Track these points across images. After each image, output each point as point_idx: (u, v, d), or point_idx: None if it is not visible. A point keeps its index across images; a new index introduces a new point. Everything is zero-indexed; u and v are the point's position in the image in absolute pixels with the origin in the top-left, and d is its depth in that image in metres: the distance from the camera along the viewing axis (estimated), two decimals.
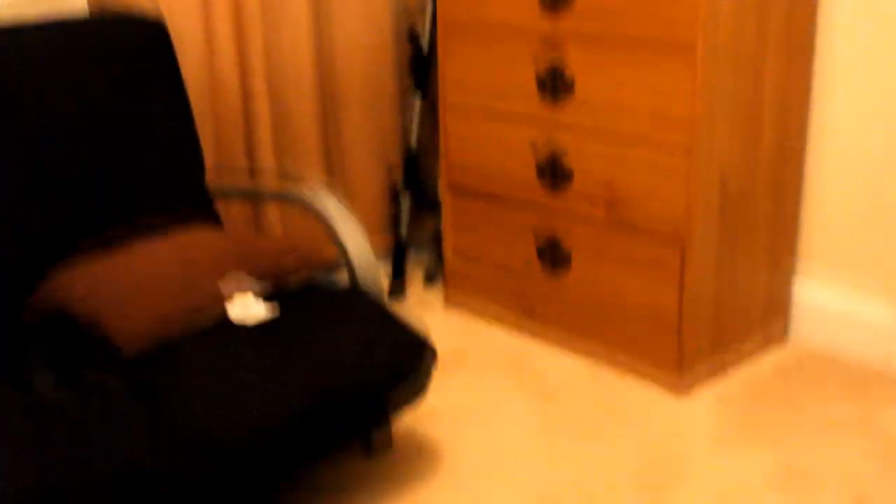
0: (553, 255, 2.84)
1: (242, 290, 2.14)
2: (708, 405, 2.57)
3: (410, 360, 2.09)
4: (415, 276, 3.48)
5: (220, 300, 2.10)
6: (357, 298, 2.23)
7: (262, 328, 2.08)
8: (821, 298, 2.85)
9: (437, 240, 3.37)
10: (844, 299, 2.80)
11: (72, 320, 2.05)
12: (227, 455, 1.82)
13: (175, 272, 2.13)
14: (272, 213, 3.14)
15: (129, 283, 2.08)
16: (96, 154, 2.34)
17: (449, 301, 3.22)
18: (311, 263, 2.28)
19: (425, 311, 3.18)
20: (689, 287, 2.53)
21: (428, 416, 2.53)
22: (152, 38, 2.49)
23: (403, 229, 3.33)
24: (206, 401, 1.85)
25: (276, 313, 2.12)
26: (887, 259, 2.71)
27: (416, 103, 3.30)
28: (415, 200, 3.37)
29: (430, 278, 3.40)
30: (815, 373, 2.72)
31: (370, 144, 3.40)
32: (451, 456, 2.36)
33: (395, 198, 3.39)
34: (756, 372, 2.74)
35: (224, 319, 2.09)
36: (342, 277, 2.31)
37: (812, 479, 2.24)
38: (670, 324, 2.58)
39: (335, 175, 3.35)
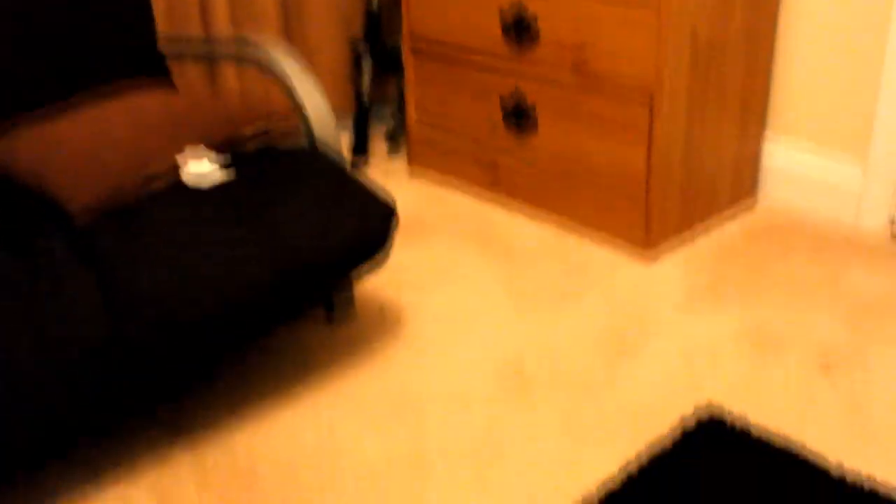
0: (518, 118, 2.77)
1: (197, 154, 2.06)
2: (675, 268, 2.54)
3: (371, 222, 2.04)
4: (378, 145, 3.41)
5: (173, 163, 2.03)
6: (315, 159, 2.16)
7: (218, 192, 2.01)
8: (790, 161, 2.81)
9: (400, 104, 3.28)
10: (813, 162, 2.76)
11: (18, 186, 1.97)
12: (184, 326, 1.77)
13: (126, 135, 2.05)
14: (228, 78, 3.03)
15: (77, 147, 2.01)
16: (42, 15, 2.22)
17: (413, 168, 3.15)
18: (267, 124, 2.20)
19: (389, 178, 3.12)
20: (658, 147, 2.48)
21: (391, 282, 2.49)
22: None
23: (365, 94, 3.24)
24: (161, 270, 1.79)
25: (233, 177, 2.05)
26: (856, 120, 2.66)
27: None
28: (376, 63, 3.27)
29: (392, 142, 3.32)
30: (783, 235, 2.70)
31: (330, 6, 3.28)
32: (414, 321, 2.33)
33: (356, 62, 3.29)
34: (724, 235, 2.71)
35: (178, 184, 2.02)
36: (300, 139, 2.23)
37: (778, 339, 2.23)
38: (638, 186, 2.54)
39: (295, 42, 3.24)
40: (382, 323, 2.32)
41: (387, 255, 2.13)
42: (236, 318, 1.85)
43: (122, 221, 1.91)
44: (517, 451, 1.90)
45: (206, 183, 2.02)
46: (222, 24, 2.95)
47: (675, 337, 2.25)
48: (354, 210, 2.03)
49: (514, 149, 2.82)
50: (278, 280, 1.89)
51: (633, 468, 1.83)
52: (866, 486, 1.76)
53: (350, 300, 2.33)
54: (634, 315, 2.33)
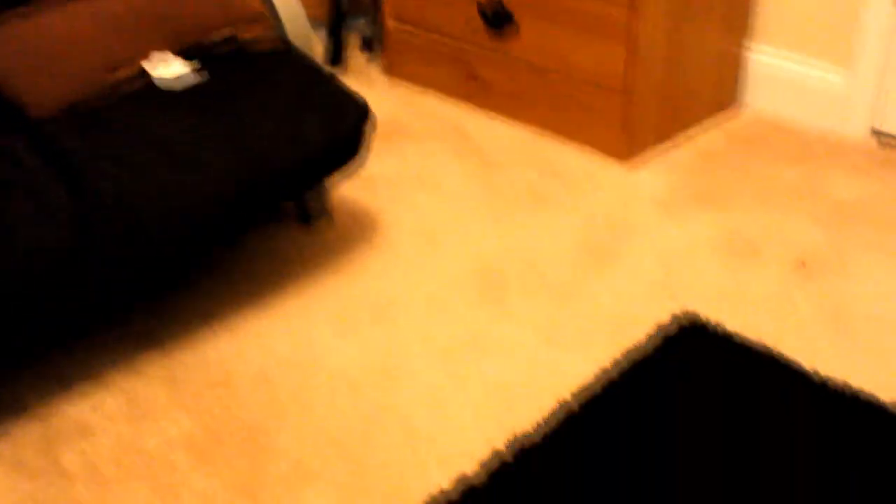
0: (496, 16, 2.69)
1: (166, 58, 2.00)
2: (655, 174, 2.51)
3: (345, 124, 1.99)
4: (354, 54, 3.32)
5: (141, 67, 1.97)
6: (289, 62, 2.09)
7: (187, 93, 1.96)
8: (773, 69, 2.75)
9: (376, 11, 3.19)
10: (797, 69, 2.71)
11: None
12: (153, 233, 1.73)
13: (92, 37, 1.99)
14: None
15: (42, 50, 1.95)
16: None
17: (389, 70, 3.08)
18: (237, 20, 2.12)
19: (365, 86, 3.04)
20: (639, 49, 2.42)
21: (366, 185, 2.44)
22: None
23: (342, 1, 3.15)
24: (129, 176, 1.74)
25: (205, 79, 1.99)
26: (840, 27, 2.60)
27: None
28: None
29: (369, 50, 3.24)
30: (764, 140, 2.66)
31: None
32: (390, 224, 2.29)
33: None
34: (705, 140, 2.67)
35: (148, 87, 1.96)
36: (274, 44, 2.16)
37: (757, 245, 2.21)
38: (618, 87, 2.48)
39: None
40: (358, 229, 2.28)
41: (362, 159, 2.08)
42: (206, 224, 1.81)
43: (90, 125, 1.85)
44: (494, 356, 1.89)
45: (177, 86, 1.96)
46: None
47: (654, 243, 2.22)
48: (329, 112, 1.97)
49: (493, 53, 2.75)
50: (250, 185, 1.85)
51: (614, 373, 1.82)
52: (843, 391, 1.76)
53: (325, 206, 2.29)
54: (613, 221, 2.30)
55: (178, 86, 1.96)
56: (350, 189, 2.43)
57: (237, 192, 1.82)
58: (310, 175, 1.98)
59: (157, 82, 1.98)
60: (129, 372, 1.85)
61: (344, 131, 1.98)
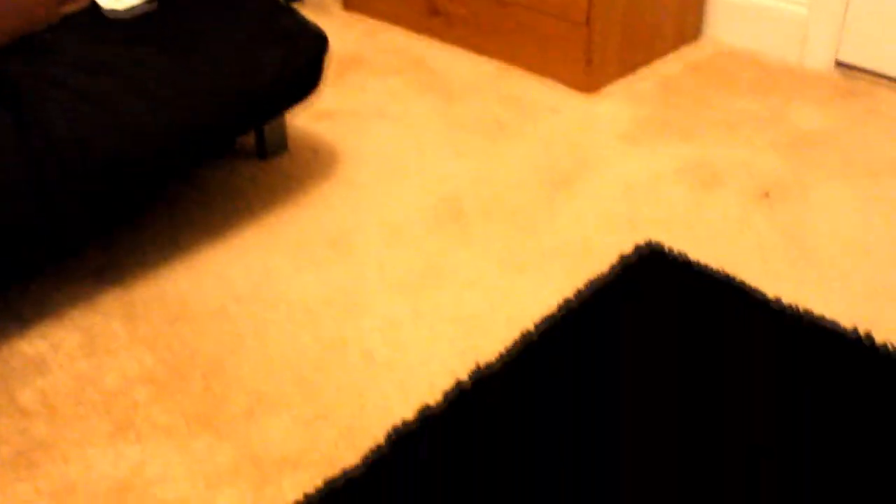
0: None
1: None
2: (618, 104, 2.49)
3: (303, 53, 1.95)
4: None
5: None
6: None
7: (140, 24, 1.91)
8: (736, 1, 2.73)
9: None
10: (759, 1, 2.69)
11: None
12: (105, 167, 1.69)
13: None
14: None
15: None
16: None
17: (348, 5, 3.03)
18: None
19: (323, 14, 2.99)
20: None
21: (326, 119, 2.41)
22: None
23: None
24: (81, 107, 1.69)
25: (155, 7, 1.94)
26: None
27: None
28: None
29: None
30: (728, 72, 2.64)
31: None
32: (349, 158, 2.26)
33: None
34: (668, 72, 2.65)
35: (97, 15, 1.91)
36: None
37: (720, 173, 2.20)
38: (580, 20, 2.45)
39: None
40: (317, 161, 2.25)
41: (317, 88, 2.04)
42: (160, 157, 1.77)
43: (39, 57, 1.80)
44: (455, 285, 1.87)
45: (128, 16, 1.91)
46: None
47: (617, 173, 2.21)
48: (286, 43, 1.93)
49: None
50: (204, 116, 1.81)
51: (574, 300, 1.81)
52: (804, 318, 1.76)
53: (283, 138, 2.25)
54: (576, 152, 2.29)
55: (130, 16, 1.91)
56: (309, 123, 2.39)
57: (191, 123, 1.78)
58: (266, 107, 1.94)
59: (107, 14, 1.93)
60: (87, 309, 1.83)
61: (302, 63, 1.94)
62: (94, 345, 1.74)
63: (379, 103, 2.49)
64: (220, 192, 2.14)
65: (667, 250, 1.94)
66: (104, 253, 1.96)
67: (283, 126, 2.24)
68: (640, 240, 1.98)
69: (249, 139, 2.26)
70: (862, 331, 1.73)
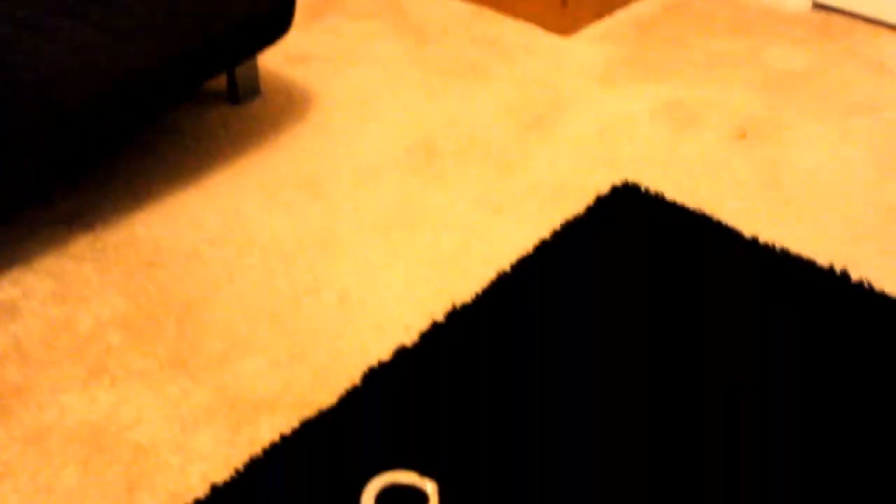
0: None
1: None
2: (593, 43, 2.46)
3: None
4: None
5: None
6: None
7: None
8: None
9: None
10: None
11: None
12: (70, 112, 1.66)
13: None
14: None
15: None
16: None
17: None
18: None
19: None
20: None
21: (298, 62, 2.37)
22: None
23: None
24: (45, 44, 1.66)
25: None
26: None
27: None
28: None
29: None
30: (704, 11, 2.62)
31: None
32: (322, 100, 2.23)
33: None
34: (643, 10, 2.62)
35: None
36: None
37: (696, 112, 2.18)
38: None
39: None
40: (289, 104, 2.22)
41: (287, 28, 2.00)
42: (127, 101, 1.74)
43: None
44: (429, 225, 1.86)
45: None
46: None
47: (594, 113, 2.19)
48: None
49: None
50: (173, 56, 1.78)
51: (548, 236, 1.80)
52: (781, 255, 1.76)
53: (255, 82, 2.22)
54: (552, 92, 2.26)
55: None
56: (282, 66, 2.35)
57: (159, 64, 1.75)
58: (236, 48, 1.91)
59: None
60: (59, 254, 1.80)
61: (271, 3, 1.91)
62: (67, 290, 1.72)
63: (354, 46, 2.45)
64: (193, 137, 2.11)
65: (643, 189, 1.93)
66: (75, 198, 1.93)
67: (256, 70, 2.20)
68: (617, 180, 1.97)
69: (222, 83, 2.22)
70: (838, 268, 1.73)
